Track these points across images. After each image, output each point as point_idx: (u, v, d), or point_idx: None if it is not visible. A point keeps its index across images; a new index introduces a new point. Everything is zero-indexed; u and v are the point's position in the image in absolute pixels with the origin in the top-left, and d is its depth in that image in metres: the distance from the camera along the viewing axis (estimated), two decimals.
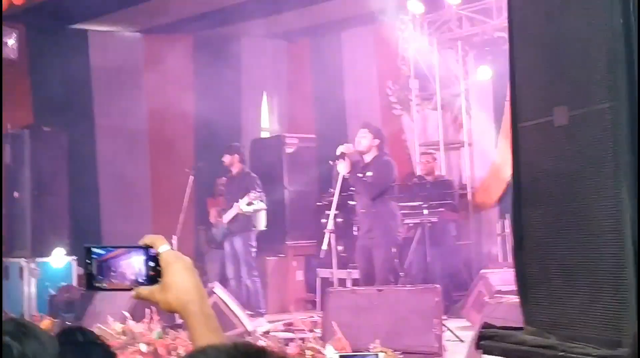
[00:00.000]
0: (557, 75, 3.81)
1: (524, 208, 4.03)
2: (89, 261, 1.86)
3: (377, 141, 9.57)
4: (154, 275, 1.84)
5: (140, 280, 1.85)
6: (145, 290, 1.84)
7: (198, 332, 1.78)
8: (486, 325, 4.26)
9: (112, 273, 1.86)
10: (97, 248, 1.86)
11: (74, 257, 10.90)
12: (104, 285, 1.87)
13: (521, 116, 4.03)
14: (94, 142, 12.89)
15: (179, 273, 1.82)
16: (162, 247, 1.85)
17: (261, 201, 10.98)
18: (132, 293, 1.85)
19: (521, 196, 4.05)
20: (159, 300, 1.83)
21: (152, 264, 1.85)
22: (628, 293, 3.28)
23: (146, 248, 1.86)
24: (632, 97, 3.36)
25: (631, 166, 3.34)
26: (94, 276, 1.86)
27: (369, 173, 9.44)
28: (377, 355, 3.23)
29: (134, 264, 1.86)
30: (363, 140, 9.57)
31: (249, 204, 10.79)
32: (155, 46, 13.13)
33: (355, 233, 10.26)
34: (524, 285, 4.07)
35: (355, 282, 10.28)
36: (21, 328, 1.51)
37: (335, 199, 9.58)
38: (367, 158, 9.61)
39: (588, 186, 3.57)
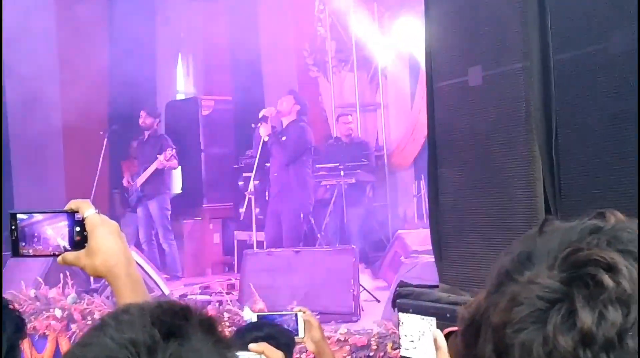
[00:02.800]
0: (471, 35, 3.84)
1: (440, 168, 4.07)
2: (13, 228, 1.82)
3: (297, 107, 9.61)
4: (80, 240, 1.82)
5: (66, 246, 1.83)
6: (71, 255, 1.82)
7: (124, 294, 1.77)
8: (402, 284, 4.30)
9: (37, 239, 1.83)
10: (22, 213, 1.84)
11: None
12: (30, 251, 1.84)
13: (436, 77, 4.05)
14: (4, 102, 12.57)
15: (105, 237, 1.80)
16: (88, 211, 1.82)
17: (176, 159, 10.93)
18: (58, 258, 1.83)
19: (436, 155, 4.09)
20: (85, 265, 1.81)
21: (77, 229, 1.82)
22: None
23: (71, 212, 1.83)
24: (544, 57, 3.40)
25: (544, 125, 3.39)
26: (19, 242, 1.83)
27: (284, 138, 9.47)
28: (296, 314, 3.22)
29: (59, 229, 1.83)
30: (285, 103, 9.61)
31: (168, 160, 10.71)
32: (67, 2, 12.80)
33: (266, 193, 10.30)
34: (439, 243, 4.12)
35: (273, 244, 10.29)
36: None
37: (256, 162, 9.60)
38: (285, 121, 9.65)
39: (502, 145, 3.62)
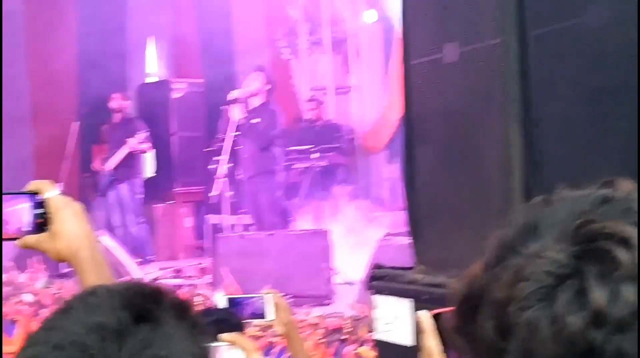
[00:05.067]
0: (447, 12, 3.78)
1: (415, 147, 4.01)
2: None
3: (268, 86, 9.53)
4: (42, 223, 1.72)
5: (26, 229, 1.72)
6: (32, 239, 1.72)
7: (89, 279, 1.67)
8: (376, 266, 4.25)
9: None
10: None
11: None
12: None
13: (412, 54, 3.99)
14: None
15: (68, 219, 1.71)
16: (50, 193, 1.72)
17: (149, 143, 10.85)
18: (18, 242, 1.73)
19: (412, 134, 4.03)
20: (47, 249, 1.72)
21: (39, 211, 1.72)
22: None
23: (32, 194, 1.73)
24: (521, 33, 3.35)
25: (520, 103, 3.34)
26: None
27: (255, 120, 9.40)
28: (262, 296, 3.18)
29: (19, 211, 1.72)
30: (254, 82, 9.52)
31: (140, 143, 10.61)
32: None
33: (238, 177, 10.23)
34: (415, 224, 4.07)
35: (245, 228, 10.25)
36: None
37: (227, 144, 9.52)
38: (254, 102, 9.56)
39: (477, 123, 3.57)
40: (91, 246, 1.73)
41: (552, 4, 3.26)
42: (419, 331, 1.38)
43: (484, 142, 3.54)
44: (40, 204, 1.73)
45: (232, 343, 2.65)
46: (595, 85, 3.06)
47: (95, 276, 1.69)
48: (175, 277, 9.41)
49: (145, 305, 1.12)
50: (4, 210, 1.73)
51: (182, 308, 1.15)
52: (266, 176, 9.51)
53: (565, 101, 3.20)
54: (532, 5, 3.33)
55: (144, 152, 11.16)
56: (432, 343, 1.35)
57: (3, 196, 1.74)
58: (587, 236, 0.94)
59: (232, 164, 10.55)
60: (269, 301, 3.13)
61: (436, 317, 1.36)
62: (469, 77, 3.61)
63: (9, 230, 1.74)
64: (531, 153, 3.32)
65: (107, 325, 1.08)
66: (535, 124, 3.30)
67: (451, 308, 1.11)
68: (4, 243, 1.79)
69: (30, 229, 1.73)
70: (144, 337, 1.08)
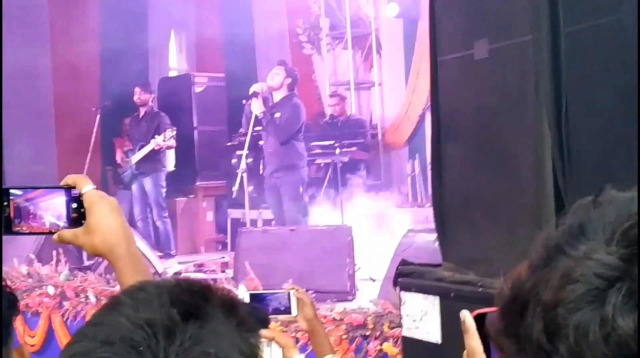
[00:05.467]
0: (477, 8, 3.76)
1: (444, 143, 3.99)
2: (6, 204, 1.72)
3: (289, 80, 9.50)
4: (77, 217, 1.72)
5: (62, 223, 1.73)
6: (68, 233, 1.72)
7: (126, 274, 1.68)
8: (403, 262, 4.23)
9: (32, 216, 1.73)
10: (15, 188, 1.73)
11: None
12: (24, 228, 1.74)
13: (441, 50, 3.96)
14: None
15: (105, 214, 1.71)
16: (86, 187, 1.72)
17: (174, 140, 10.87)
18: (54, 236, 1.73)
19: (440, 131, 4.00)
20: (83, 243, 1.72)
21: (75, 205, 1.72)
22: (547, 228, 3.27)
23: (68, 188, 1.73)
24: (554, 29, 3.32)
25: (552, 100, 3.31)
26: (12, 219, 1.73)
27: (277, 114, 9.37)
28: (289, 292, 3.17)
29: (55, 206, 1.73)
30: (275, 77, 9.49)
31: (164, 141, 10.63)
32: None
33: (261, 171, 10.23)
34: (443, 221, 4.05)
35: (267, 222, 10.25)
36: None
37: (247, 139, 9.51)
38: (277, 96, 9.54)
39: (509, 120, 3.54)
40: (128, 240, 1.73)
41: (586, 0, 3.23)
42: (462, 330, 1.37)
43: (515, 140, 3.52)
44: (75, 199, 1.73)
45: (270, 339, 2.65)
46: (629, 83, 3.02)
47: (132, 271, 1.69)
48: (197, 271, 9.43)
49: (194, 302, 1.12)
50: (40, 203, 1.74)
51: (230, 305, 1.15)
52: (288, 171, 9.49)
53: (598, 99, 3.17)
54: (564, 2, 3.30)
55: (170, 148, 11.18)
56: (476, 344, 1.33)
57: (39, 190, 1.74)
58: (637, 239, 0.93)
59: (254, 159, 10.55)
60: (293, 297, 3.12)
61: (478, 317, 1.34)
62: (499, 74, 3.58)
63: (44, 224, 1.75)
64: (563, 151, 3.29)
65: (156, 322, 1.08)
66: (567, 122, 3.28)
67: (493, 308, 1.10)
68: (30, 236, 1.79)
69: (65, 223, 1.74)
70: (193, 333, 1.08)
